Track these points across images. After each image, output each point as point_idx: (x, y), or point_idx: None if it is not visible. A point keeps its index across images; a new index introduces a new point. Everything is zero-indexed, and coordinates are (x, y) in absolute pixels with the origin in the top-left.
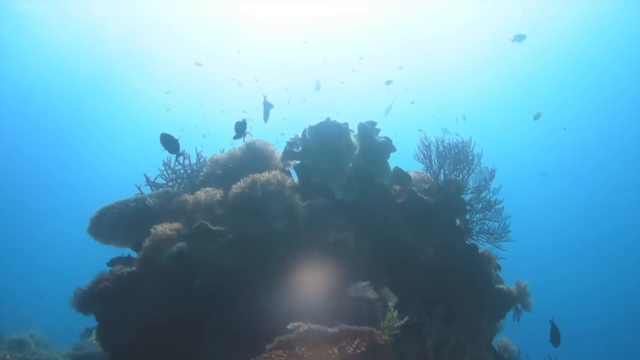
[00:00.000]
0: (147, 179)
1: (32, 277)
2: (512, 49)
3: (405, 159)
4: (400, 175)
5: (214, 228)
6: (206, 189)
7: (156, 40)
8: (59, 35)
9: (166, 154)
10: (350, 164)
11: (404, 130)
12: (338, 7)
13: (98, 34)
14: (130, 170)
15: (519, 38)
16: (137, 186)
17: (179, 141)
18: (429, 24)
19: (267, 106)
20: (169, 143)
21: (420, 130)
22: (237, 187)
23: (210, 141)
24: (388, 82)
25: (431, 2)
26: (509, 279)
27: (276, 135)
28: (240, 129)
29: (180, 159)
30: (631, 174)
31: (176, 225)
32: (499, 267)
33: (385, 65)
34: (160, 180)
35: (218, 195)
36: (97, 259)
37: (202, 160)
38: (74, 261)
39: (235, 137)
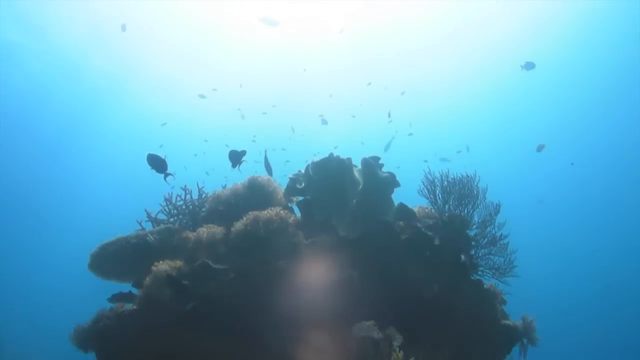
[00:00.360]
0: (149, 215)
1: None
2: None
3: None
4: (405, 212)
5: (215, 266)
6: (208, 225)
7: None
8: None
9: (166, 188)
10: (354, 200)
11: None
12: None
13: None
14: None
15: (529, 66)
16: (138, 222)
17: (166, 160)
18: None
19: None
20: (156, 163)
21: (425, 161)
22: (239, 224)
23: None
24: (389, 116)
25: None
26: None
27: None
28: (236, 158)
29: (182, 194)
30: (630, 199)
31: (177, 263)
32: (504, 302)
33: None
34: (161, 216)
35: (220, 233)
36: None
37: (203, 195)
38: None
39: (233, 166)
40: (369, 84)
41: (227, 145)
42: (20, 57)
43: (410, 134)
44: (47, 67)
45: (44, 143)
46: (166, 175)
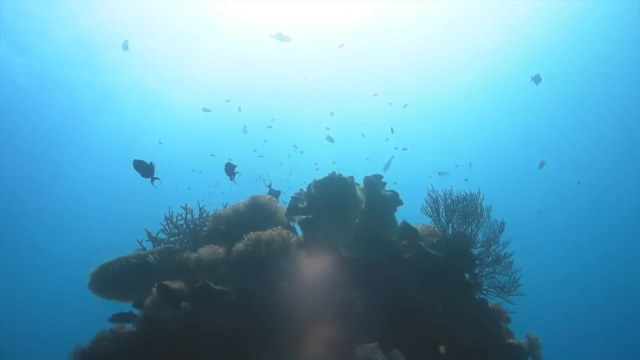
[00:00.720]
0: (149, 234)
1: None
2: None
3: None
4: (408, 230)
5: (217, 287)
6: (209, 246)
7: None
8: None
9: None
10: (357, 220)
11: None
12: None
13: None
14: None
15: (537, 79)
16: (138, 241)
17: (153, 165)
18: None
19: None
20: (143, 168)
21: (430, 177)
22: (240, 244)
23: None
24: (392, 132)
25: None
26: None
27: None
28: (230, 170)
29: (183, 213)
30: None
31: (178, 283)
32: (509, 321)
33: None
34: (162, 235)
35: (221, 253)
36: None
37: (205, 214)
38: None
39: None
40: (375, 94)
41: (212, 155)
42: (5, 71)
43: (405, 149)
44: (32, 80)
45: (31, 155)
46: (153, 179)
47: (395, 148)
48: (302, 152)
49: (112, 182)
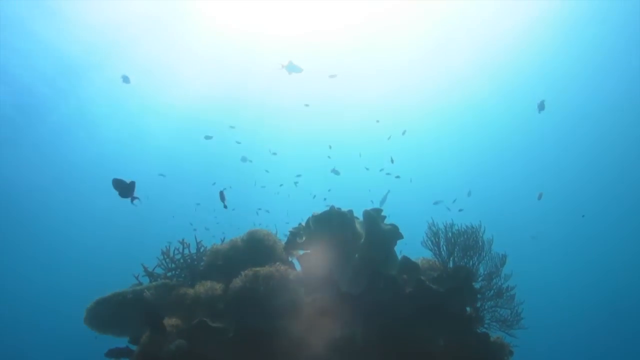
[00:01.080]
0: (145, 269)
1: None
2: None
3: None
4: (408, 265)
5: (214, 325)
6: (206, 282)
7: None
8: None
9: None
10: (356, 255)
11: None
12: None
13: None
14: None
15: (541, 106)
16: (135, 276)
17: (134, 183)
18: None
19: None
20: (122, 187)
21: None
22: (238, 280)
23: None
24: (392, 162)
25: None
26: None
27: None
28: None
29: (180, 247)
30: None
31: (175, 320)
32: (511, 354)
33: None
34: (159, 270)
35: (219, 290)
36: None
37: (202, 249)
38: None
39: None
40: (378, 121)
41: (214, 184)
42: None
43: (398, 177)
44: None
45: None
46: (133, 199)
47: (388, 173)
48: (296, 183)
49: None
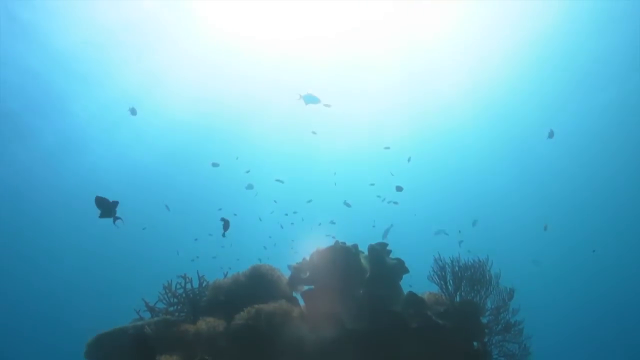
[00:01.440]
0: (147, 304)
1: None
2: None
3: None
4: (414, 300)
5: None
6: (208, 318)
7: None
8: None
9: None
10: (361, 290)
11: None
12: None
13: None
14: None
15: (551, 135)
16: (136, 311)
17: (116, 203)
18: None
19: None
20: (104, 206)
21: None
22: (240, 317)
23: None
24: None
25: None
26: None
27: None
28: (225, 225)
29: (182, 282)
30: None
31: (175, 357)
32: None
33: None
34: (160, 305)
35: (220, 326)
36: None
37: (204, 284)
38: None
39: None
40: (387, 148)
41: (220, 209)
42: None
43: (396, 203)
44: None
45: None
46: (115, 219)
47: (383, 199)
48: (292, 224)
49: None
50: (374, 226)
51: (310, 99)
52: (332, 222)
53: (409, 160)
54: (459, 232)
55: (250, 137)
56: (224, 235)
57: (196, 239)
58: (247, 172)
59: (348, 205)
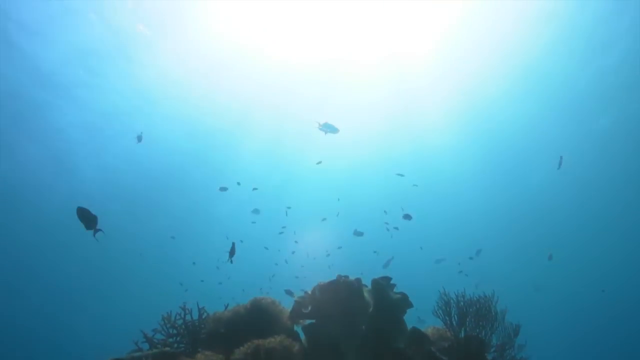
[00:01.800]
0: (145, 335)
1: None
2: None
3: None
4: (418, 336)
5: None
6: (206, 352)
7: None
8: None
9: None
10: (364, 326)
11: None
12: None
13: None
14: None
15: (560, 163)
16: (135, 342)
17: (97, 218)
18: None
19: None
20: (86, 218)
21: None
22: (239, 352)
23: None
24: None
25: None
26: None
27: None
28: (231, 251)
29: (182, 313)
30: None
31: None
32: None
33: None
34: (159, 336)
35: None
36: None
37: (204, 315)
38: None
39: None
40: (400, 174)
41: (227, 238)
42: None
43: (396, 228)
44: None
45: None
46: (95, 231)
47: (386, 223)
48: (293, 253)
49: None
50: (375, 252)
51: (329, 128)
52: (339, 248)
53: (415, 185)
54: (459, 264)
55: (241, 161)
56: (231, 261)
57: (194, 263)
58: (239, 184)
59: (360, 234)
